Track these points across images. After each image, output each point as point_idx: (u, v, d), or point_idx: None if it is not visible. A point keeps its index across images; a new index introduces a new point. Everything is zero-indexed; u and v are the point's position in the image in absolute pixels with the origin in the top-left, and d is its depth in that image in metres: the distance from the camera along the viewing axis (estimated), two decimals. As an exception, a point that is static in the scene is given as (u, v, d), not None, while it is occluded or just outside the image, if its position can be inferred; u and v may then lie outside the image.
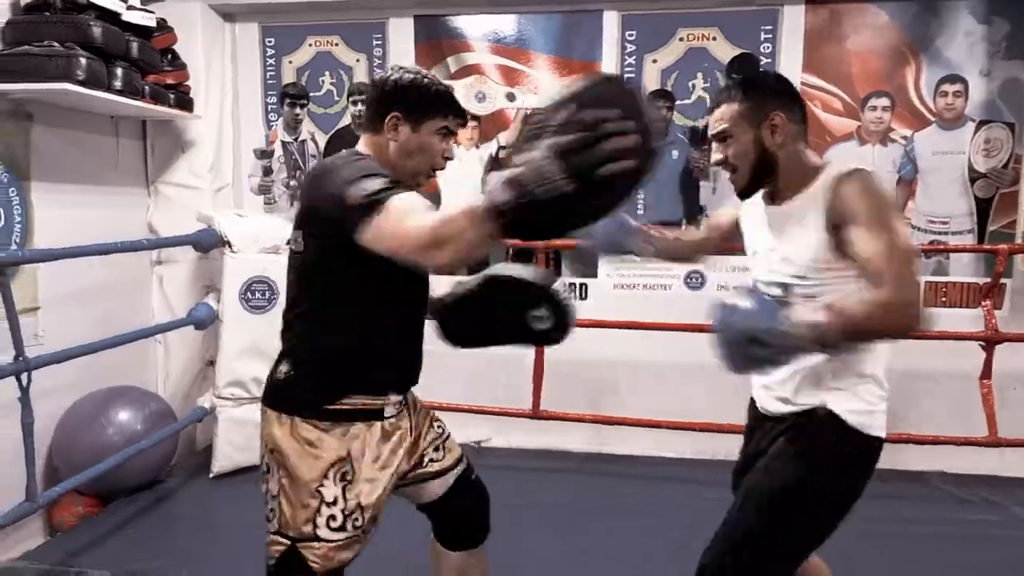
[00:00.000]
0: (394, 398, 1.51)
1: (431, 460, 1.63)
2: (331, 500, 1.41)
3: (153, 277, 3.65)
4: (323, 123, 3.79)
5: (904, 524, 2.82)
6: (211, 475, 3.28)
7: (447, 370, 3.70)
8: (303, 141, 3.81)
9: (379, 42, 3.68)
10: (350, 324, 1.45)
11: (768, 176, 1.50)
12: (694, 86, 3.54)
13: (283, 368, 1.48)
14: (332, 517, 1.41)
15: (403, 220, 1.22)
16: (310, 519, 1.41)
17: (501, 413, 3.40)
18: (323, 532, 1.41)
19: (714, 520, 1.56)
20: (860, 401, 1.46)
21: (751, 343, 1.25)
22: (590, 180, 1.01)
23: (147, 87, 3.09)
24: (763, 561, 1.47)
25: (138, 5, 3.05)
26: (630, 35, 3.55)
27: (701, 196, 3.57)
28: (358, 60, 3.70)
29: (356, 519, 1.44)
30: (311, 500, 1.41)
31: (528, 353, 3.33)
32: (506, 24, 3.61)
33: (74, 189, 3.13)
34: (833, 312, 1.23)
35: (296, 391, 1.46)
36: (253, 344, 3.21)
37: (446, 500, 1.66)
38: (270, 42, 3.77)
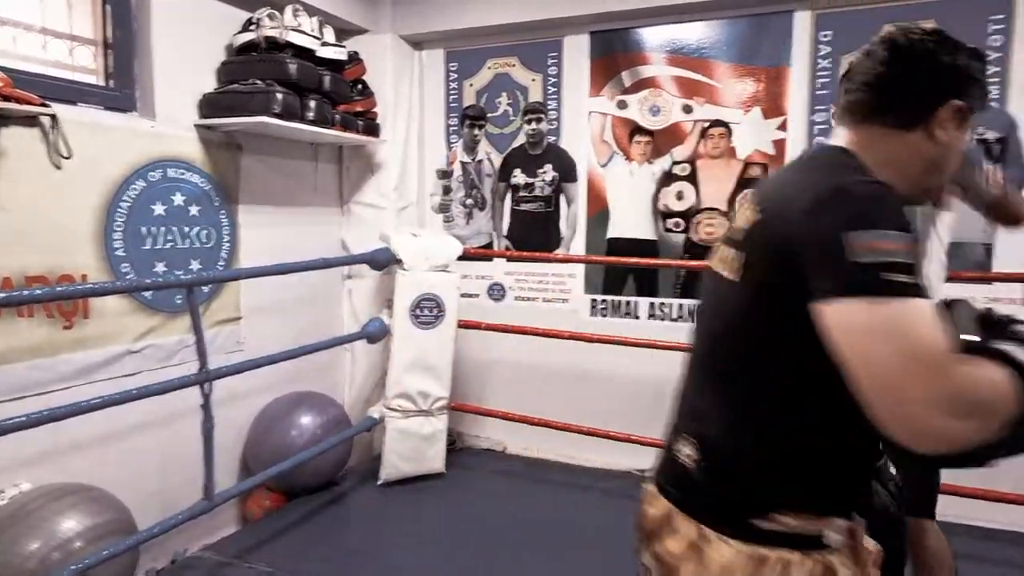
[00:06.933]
0: (838, 523, 1.04)
1: None
2: None
3: (344, 290, 3.92)
4: (498, 143, 3.86)
5: None
6: (379, 482, 3.41)
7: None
8: (480, 161, 3.90)
9: (554, 60, 3.66)
10: (811, 412, 1.00)
11: None
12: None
13: (687, 452, 1.09)
14: None
15: (918, 339, 0.80)
16: None
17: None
18: None
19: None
20: None
21: None
22: None
23: (337, 116, 3.33)
24: None
25: (332, 41, 3.30)
26: (825, 35, 3.17)
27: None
28: (533, 80, 3.71)
29: None
30: None
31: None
32: (685, 33, 3.41)
33: (276, 211, 3.46)
34: None
35: (709, 489, 1.06)
36: (418, 359, 3.34)
37: None
38: (453, 66, 3.92)
